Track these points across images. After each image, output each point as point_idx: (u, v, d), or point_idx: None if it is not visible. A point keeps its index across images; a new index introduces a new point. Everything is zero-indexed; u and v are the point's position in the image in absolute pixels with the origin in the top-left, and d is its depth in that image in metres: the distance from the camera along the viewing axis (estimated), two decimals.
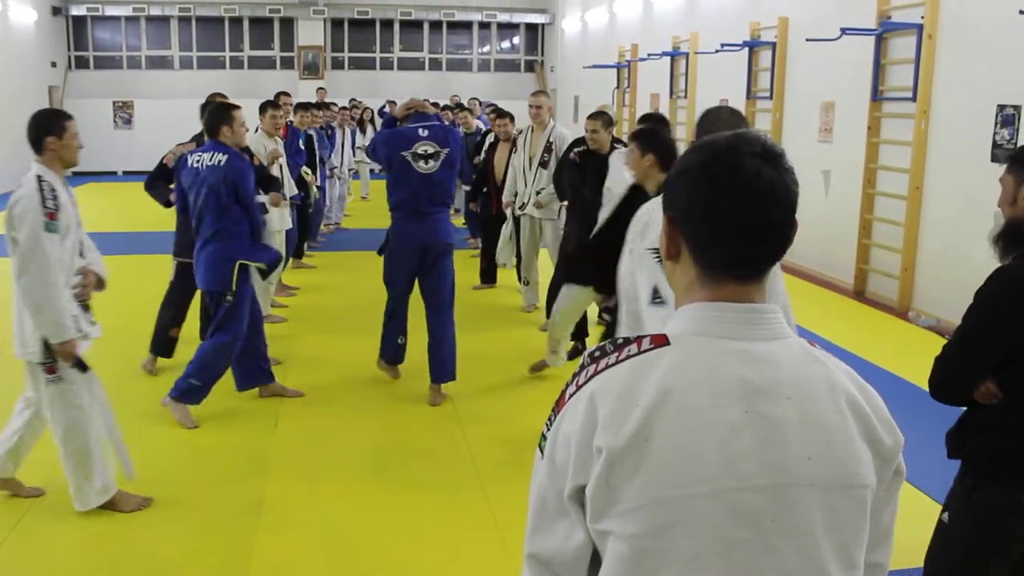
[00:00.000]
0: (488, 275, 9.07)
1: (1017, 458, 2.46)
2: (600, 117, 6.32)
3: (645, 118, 5.65)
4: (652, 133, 3.79)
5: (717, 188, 1.25)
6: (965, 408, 2.59)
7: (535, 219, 7.78)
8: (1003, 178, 2.56)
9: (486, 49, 23.54)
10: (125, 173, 19.42)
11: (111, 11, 21.09)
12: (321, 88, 17.45)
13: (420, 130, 5.46)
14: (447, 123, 7.85)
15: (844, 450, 1.24)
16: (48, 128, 3.90)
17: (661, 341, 1.26)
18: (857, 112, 9.10)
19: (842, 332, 7.17)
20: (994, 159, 7.08)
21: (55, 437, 3.97)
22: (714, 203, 1.25)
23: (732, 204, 1.24)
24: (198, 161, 5.17)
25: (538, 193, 7.61)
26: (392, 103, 7.08)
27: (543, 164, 7.54)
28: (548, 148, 7.55)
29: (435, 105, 11.81)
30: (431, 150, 5.42)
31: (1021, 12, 6.56)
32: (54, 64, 20.30)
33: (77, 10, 20.84)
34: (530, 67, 23.68)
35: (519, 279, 8.35)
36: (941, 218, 7.92)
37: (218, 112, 5.27)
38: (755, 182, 1.24)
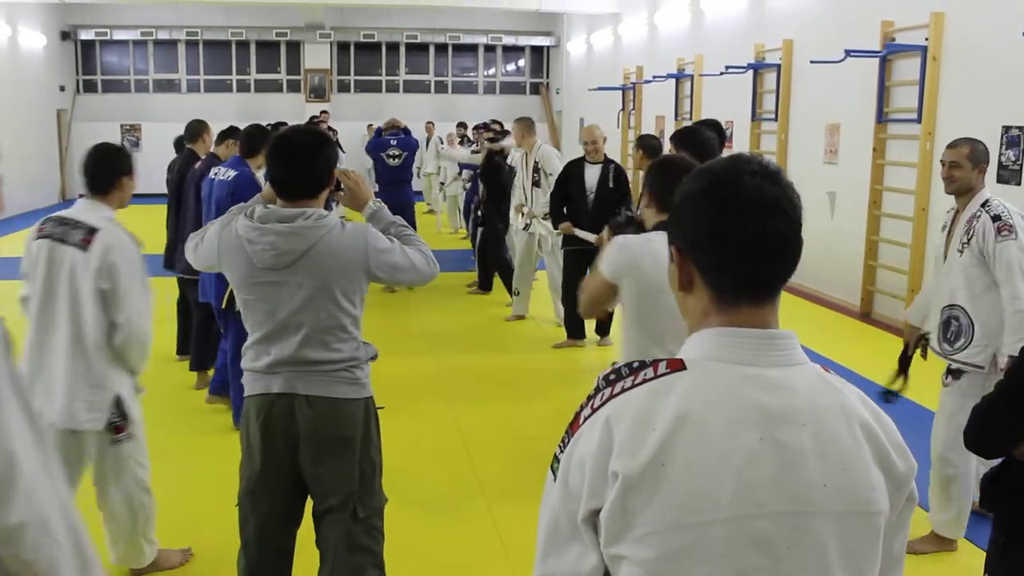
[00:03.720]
0: (485, 282, 9.67)
1: None
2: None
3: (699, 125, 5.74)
4: (691, 132, 4.60)
5: (722, 208, 1.25)
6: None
7: (533, 234, 8.18)
8: None
9: (492, 72, 23.65)
10: (133, 196, 19.47)
11: (119, 35, 21.25)
12: (324, 111, 17.49)
13: (391, 139, 9.69)
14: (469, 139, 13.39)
15: (859, 477, 1.24)
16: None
17: (677, 365, 1.26)
18: (862, 133, 9.12)
19: (849, 354, 7.14)
20: (1000, 180, 7.08)
21: (113, 504, 3.60)
22: (721, 224, 1.25)
23: (739, 222, 1.24)
24: (214, 175, 5.51)
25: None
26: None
27: (535, 183, 8.10)
28: (536, 168, 8.08)
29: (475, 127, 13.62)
30: (397, 152, 9.62)
31: None
32: (63, 88, 20.44)
33: (85, 35, 21.00)
34: (535, 89, 23.78)
35: (509, 291, 8.73)
36: None
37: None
38: (759, 198, 1.24)
